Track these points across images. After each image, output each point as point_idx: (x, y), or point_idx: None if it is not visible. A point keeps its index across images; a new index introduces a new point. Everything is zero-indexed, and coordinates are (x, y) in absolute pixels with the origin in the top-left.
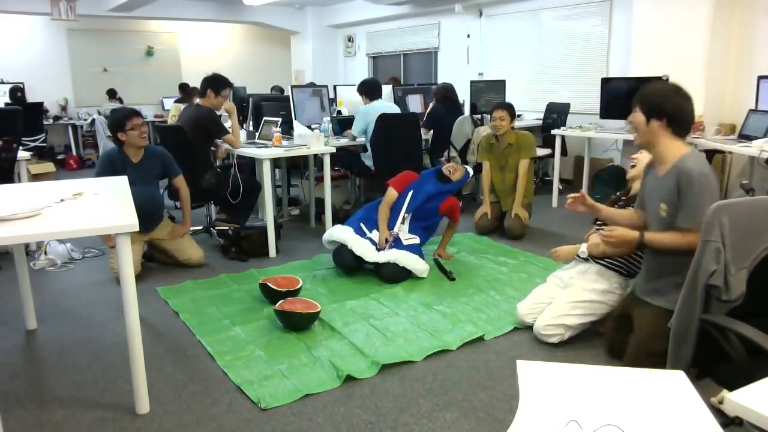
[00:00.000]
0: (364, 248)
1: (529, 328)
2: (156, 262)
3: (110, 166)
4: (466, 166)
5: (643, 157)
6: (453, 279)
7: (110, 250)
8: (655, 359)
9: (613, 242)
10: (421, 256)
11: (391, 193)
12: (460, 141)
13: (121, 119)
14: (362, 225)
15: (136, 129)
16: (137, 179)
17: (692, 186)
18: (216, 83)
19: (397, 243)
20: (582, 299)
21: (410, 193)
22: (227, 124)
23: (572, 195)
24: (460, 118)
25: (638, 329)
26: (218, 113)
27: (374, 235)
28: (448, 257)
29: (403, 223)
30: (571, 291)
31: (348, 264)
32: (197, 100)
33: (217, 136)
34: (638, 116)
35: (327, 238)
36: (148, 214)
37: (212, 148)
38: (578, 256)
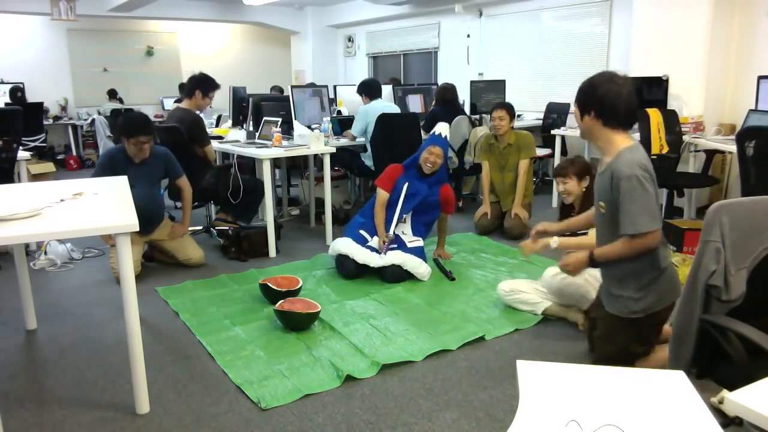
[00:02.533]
0: (367, 256)
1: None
2: (156, 262)
3: (110, 165)
4: (441, 128)
5: (571, 187)
6: (453, 279)
7: (110, 249)
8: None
9: (572, 270)
10: (425, 258)
11: (382, 195)
12: (457, 141)
13: (129, 131)
14: (362, 232)
15: (137, 146)
16: (138, 180)
17: (621, 186)
18: (206, 84)
19: (401, 245)
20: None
21: (404, 191)
22: (227, 124)
23: (523, 244)
24: (457, 118)
25: (597, 335)
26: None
27: (375, 241)
28: (448, 257)
29: (404, 222)
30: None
31: (351, 273)
32: (183, 103)
33: (201, 143)
34: (575, 111)
35: (331, 253)
36: (149, 217)
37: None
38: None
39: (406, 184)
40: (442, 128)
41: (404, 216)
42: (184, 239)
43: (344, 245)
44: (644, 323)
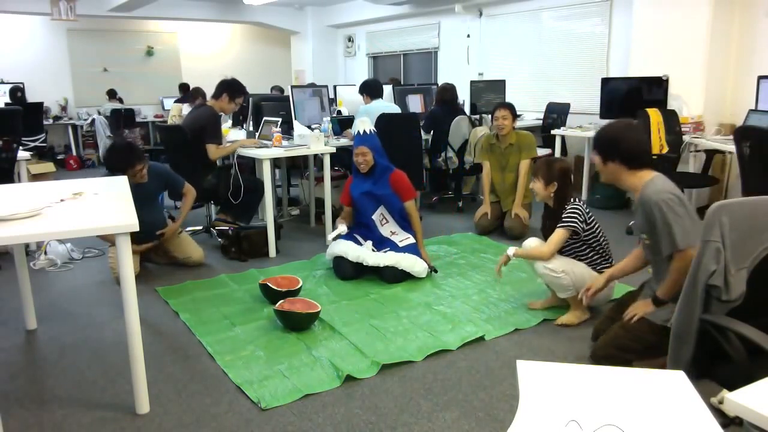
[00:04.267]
0: (360, 252)
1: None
2: (153, 263)
3: None
4: (359, 125)
5: (537, 188)
6: (436, 271)
7: (109, 249)
8: (616, 357)
9: (639, 319)
10: (420, 255)
11: (345, 209)
12: (457, 141)
13: (123, 167)
14: (356, 236)
15: (136, 176)
16: (139, 201)
17: (654, 213)
18: (234, 89)
19: (393, 246)
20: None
21: (355, 200)
22: (227, 124)
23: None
24: (457, 118)
25: (618, 325)
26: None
27: (368, 244)
28: (426, 259)
29: (387, 222)
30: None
31: (348, 274)
32: (209, 101)
33: (207, 138)
34: (596, 158)
35: (328, 257)
36: (151, 231)
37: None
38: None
39: (361, 191)
40: (359, 125)
41: (384, 217)
42: (184, 239)
43: (338, 246)
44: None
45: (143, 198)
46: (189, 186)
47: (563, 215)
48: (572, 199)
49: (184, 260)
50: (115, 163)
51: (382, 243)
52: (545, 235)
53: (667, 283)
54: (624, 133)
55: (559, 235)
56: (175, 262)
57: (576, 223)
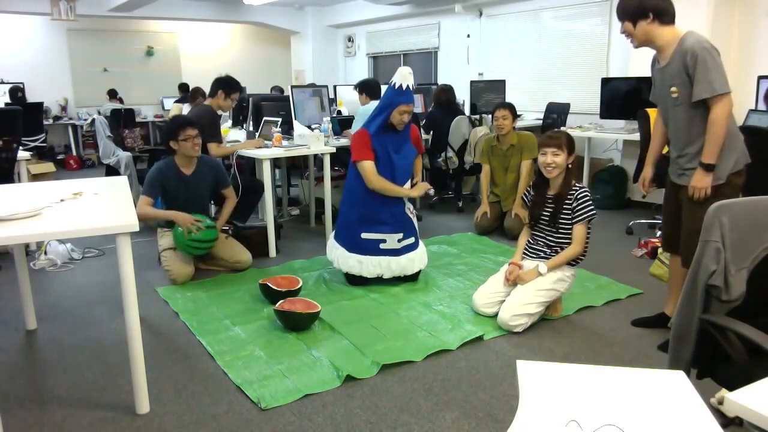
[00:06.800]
0: (380, 269)
1: (529, 328)
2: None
3: (160, 180)
4: (404, 78)
5: (561, 160)
6: (434, 197)
7: (163, 253)
8: None
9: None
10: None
11: (370, 165)
12: (457, 141)
13: (174, 129)
14: (366, 236)
15: (189, 140)
16: (190, 195)
17: (697, 60)
18: (228, 86)
19: (408, 231)
20: (540, 288)
21: (393, 158)
22: (227, 124)
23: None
24: (456, 118)
25: (686, 224)
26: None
27: (392, 238)
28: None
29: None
30: (528, 283)
31: (360, 282)
32: (206, 100)
33: (207, 137)
34: (627, 25)
35: (337, 268)
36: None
37: None
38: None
39: (391, 150)
40: (404, 78)
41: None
42: (232, 243)
43: (351, 264)
44: (727, 188)
45: (195, 191)
46: (232, 190)
47: (579, 207)
48: (575, 185)
49: (234, 264)
50: (175, 121)
51: (403, 224)
52: (533, 214)
53: (709, 141)
54: None
55: (582, 231)
56: (223, 266)
57: (593, 210)
